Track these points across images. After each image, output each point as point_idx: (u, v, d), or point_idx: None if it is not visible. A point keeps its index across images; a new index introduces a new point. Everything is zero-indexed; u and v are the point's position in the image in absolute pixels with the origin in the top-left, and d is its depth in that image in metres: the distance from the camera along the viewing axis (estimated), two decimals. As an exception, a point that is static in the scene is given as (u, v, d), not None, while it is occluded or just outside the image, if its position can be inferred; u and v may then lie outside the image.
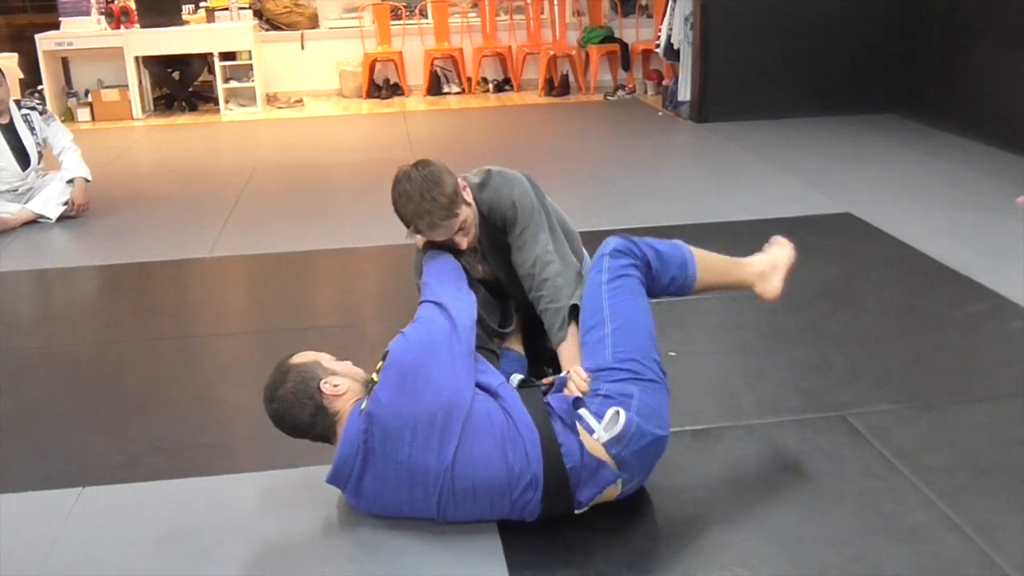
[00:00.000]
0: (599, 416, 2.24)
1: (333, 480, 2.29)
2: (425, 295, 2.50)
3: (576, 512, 2.27)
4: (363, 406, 2.25)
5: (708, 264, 2.68)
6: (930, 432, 2.72)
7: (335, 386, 2.31)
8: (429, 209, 2.51)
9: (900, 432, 2.71)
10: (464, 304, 2.46)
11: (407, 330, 2.36)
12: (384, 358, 2.30)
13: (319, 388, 2.31)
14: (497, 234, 2.79)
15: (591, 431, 2.23)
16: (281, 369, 2.36)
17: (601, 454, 2.23)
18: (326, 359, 2.40)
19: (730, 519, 2.33)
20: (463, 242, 2.63)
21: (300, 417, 2.31)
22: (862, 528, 2.28)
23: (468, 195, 2.65)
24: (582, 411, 2.26)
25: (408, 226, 2.60)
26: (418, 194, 2.51)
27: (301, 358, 2.39)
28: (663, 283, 2.60)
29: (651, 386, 2.34)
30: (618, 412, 2.23)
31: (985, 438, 2.68)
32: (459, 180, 2.62)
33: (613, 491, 2.29)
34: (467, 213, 2.61)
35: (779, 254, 2.85)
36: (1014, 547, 2.19)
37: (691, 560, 2.19)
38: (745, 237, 4.53)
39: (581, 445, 2.22)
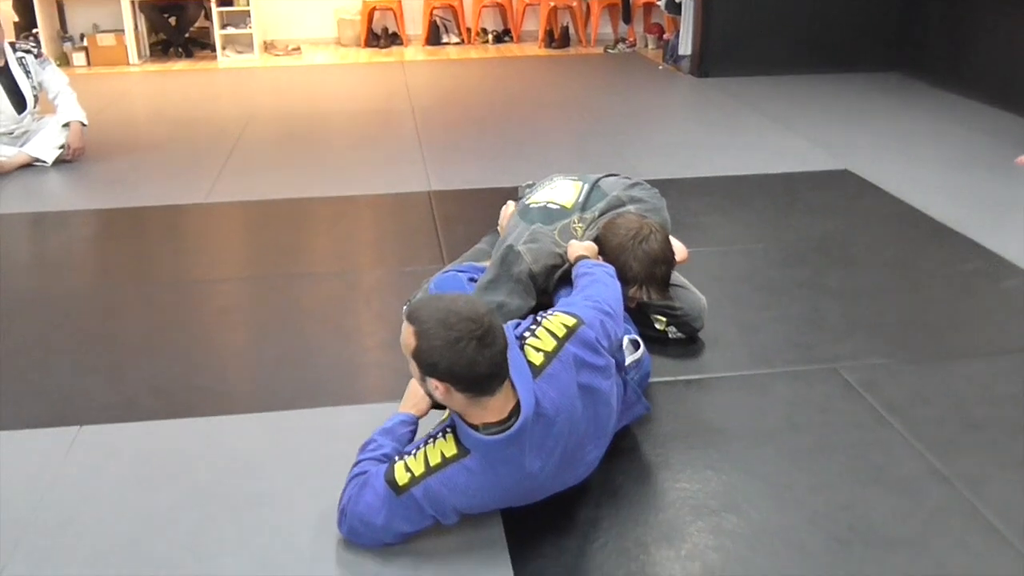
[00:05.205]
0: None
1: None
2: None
3: None
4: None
5: None
6: (921, 386, 2.74)
7: None
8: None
9: (892, 386, 2.73)
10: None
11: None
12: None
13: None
14: None
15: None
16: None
17: None
18: None
19: (721, 467, 2.36)
20: None
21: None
22: (851, 478, 2.31)
23: None
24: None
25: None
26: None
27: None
28: None
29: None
30: (636, 341, 2.46)
31: (976, 393, 2.70)
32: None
33: None
34: None
35: None
36: (999, 499, 2.22)
37: (681, 506, 2.21)
38: (743, 192, 4.56)
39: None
